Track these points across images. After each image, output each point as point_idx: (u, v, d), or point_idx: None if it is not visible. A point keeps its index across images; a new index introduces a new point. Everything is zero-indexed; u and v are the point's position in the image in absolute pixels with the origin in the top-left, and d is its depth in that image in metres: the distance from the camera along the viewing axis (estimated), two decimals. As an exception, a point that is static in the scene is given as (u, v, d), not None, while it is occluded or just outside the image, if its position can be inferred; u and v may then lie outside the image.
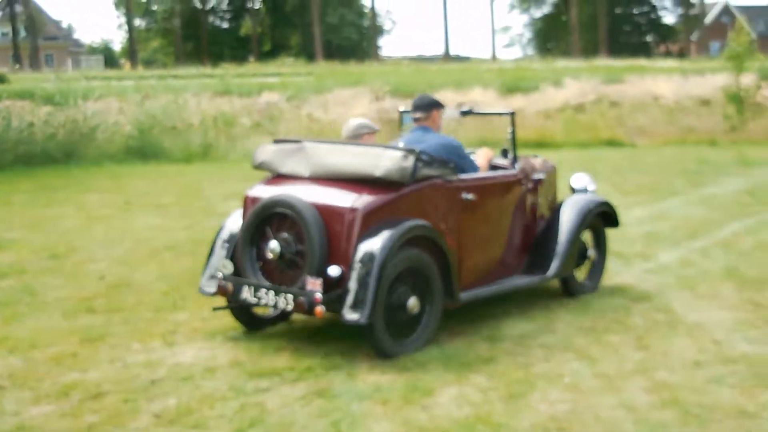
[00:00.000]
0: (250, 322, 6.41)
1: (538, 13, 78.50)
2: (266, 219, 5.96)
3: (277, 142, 6.60)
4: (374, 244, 5.65)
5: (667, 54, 68.51)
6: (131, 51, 69.31)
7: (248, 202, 6.21)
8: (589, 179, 7.93)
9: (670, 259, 8.49)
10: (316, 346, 5.96)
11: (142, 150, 18.13)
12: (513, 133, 7.15)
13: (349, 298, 5.58)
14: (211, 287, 6.20)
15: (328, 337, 6.15)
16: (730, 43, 22.03)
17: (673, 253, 8.77)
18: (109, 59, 77.34)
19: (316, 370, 5.49)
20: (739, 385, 5.15)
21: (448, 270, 6.10)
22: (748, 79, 21.55)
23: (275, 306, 5.79)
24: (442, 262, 6.07)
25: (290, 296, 5.66)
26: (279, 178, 6.38)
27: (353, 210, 5.75)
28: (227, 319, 6.43)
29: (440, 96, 24.44)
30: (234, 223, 6.38)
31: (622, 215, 8.27)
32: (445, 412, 4.84)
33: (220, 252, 6.32)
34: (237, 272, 6.09)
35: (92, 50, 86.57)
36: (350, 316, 5.54)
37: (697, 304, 6.90)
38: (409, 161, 5.87)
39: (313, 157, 6.23)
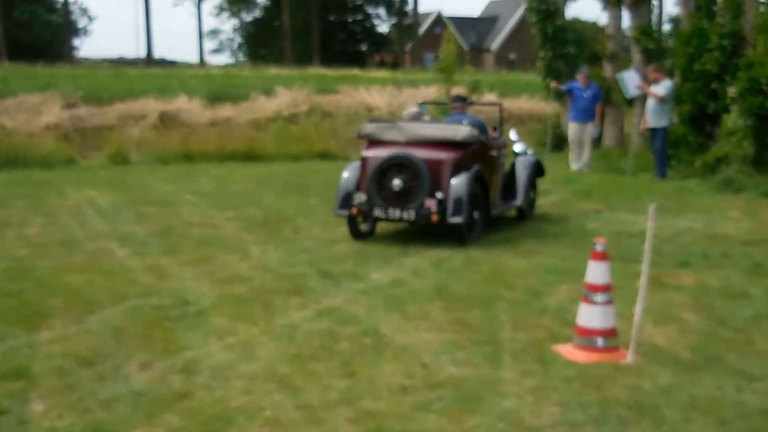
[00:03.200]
0: (357, 233, 10.52)
1: (249, 17, 78.60)
2: (388, 167, 10.09)
3: (372, 121, 11.16)
4: (461, 179, 10.12)
5: (382, 64, 70.76)
6: None
7: (365, 159, 10.41)
8: (524, 145, 12.77)
9: (381, 279, 8.62)
10: (-18, 388, 5.52)
11: None
12: (501, 117, 12.62)
13: (451, 210, 9.98)
14: (344, 212, 10.33)
15: (-3, 377, 5.71)
16: (440, 54, 23.00)
17: (384, 271, 8.93)
18: None
19: (-19, 417, 5.08)
20: (445, 410, 5.25)
21: (487, 196, 10.79)
22: (458, 91, 22.54)
23: (400, 219, 10.06)
24: (485, 191, 10.69)
25: (413, 212, 10.01)
26: (379, 143, 10.54)
27: (446, 160, 10.23)
28: None
29: (141, 104, 23.89)
30: (351, 172, 10.50)
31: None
32: (131, 458, 4.61)
33: (348, 189, 10.35)
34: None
35: None
36: (453, 220, 9.98)
37: (405, 326, 6.99)
38: (475, 131, 10.54)
39: (407, 130, 10.50)
